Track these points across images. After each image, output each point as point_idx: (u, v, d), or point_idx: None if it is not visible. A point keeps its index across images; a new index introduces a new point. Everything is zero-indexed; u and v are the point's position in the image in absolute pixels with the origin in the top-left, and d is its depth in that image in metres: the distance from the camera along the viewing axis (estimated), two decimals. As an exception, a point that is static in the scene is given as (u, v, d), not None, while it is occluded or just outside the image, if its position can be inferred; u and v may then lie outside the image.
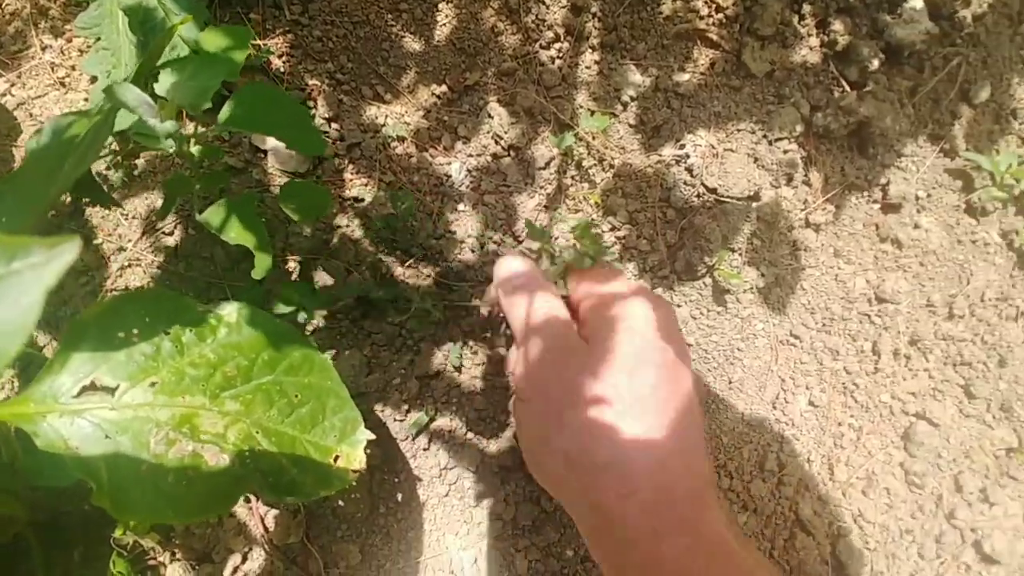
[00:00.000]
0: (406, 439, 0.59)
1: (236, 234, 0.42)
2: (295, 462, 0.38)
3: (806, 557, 0.63)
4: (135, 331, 0.35)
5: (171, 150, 0.42)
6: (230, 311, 0.39)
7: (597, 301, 0.39)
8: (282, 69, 0.64)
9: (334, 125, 0.64)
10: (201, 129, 0.52)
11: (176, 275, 0.60)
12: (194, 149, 0.44)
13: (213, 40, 0.45)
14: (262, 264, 0.44)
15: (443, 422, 0.60)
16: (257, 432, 0.37)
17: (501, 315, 0.55)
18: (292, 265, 0.61)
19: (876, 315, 0.67)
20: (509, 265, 0.42)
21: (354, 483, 0.40)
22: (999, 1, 0.67)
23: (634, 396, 0.33)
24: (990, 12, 0.67)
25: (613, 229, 0.64)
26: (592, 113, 0.63)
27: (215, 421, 0.36)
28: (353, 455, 0.41)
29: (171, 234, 0.61)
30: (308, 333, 0.59)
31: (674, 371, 0.35)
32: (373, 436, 0.42)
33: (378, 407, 0.58)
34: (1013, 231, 0.69)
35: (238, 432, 0.36)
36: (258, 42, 0.63)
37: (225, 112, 0.39)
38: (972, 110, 0.68)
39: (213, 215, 0.42)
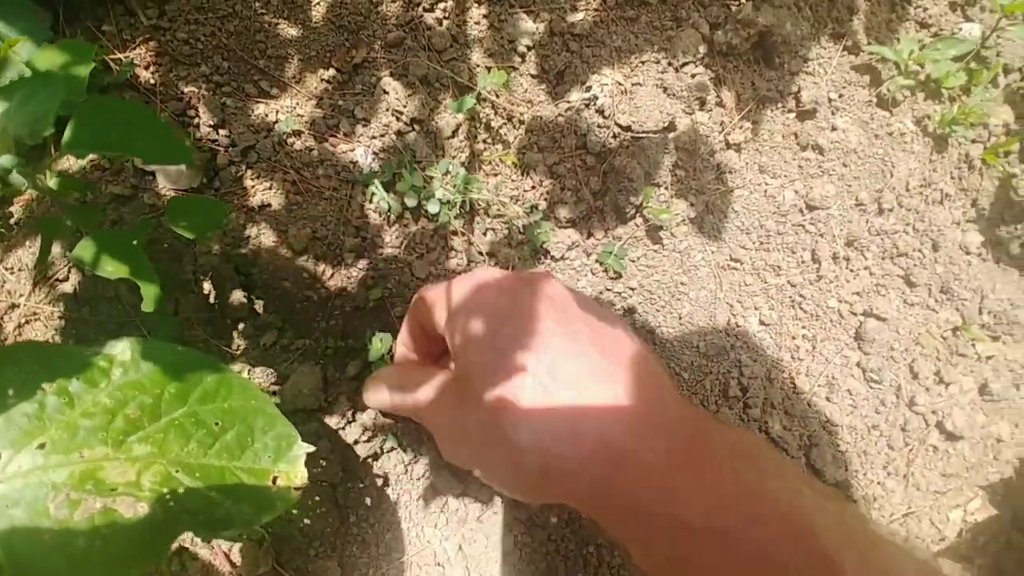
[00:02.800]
0: (369, 441, 0.57)
1: (112, 267, 0.38)
2: (227, 493, 0.35)
3: (783, 472, 0.63)
4: (10, 392, 0.31)
5: (24, 189, 0.38)
6: (122, 349, 0.36)
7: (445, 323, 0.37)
8: (152, 80, 0.59)
9: (222, 131, 0.59)
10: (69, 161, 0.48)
11: (82, 322, 0.56)
12: (52, 183, 0.40)
13: (48, 58, 0.41)
14: (149, 294, 0.40)
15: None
16: (177, 471, 0.34)
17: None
18: (208, 287, 0.57)
19: (810, 223, 0.67)
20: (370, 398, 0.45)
21: (298, 503, 0.38)
22: None
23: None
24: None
25: (535, 187, 0.62)
26: (489, 70, 0.60)
27: (124, 470, 0.33)
28: (293, 472, 0.38)
29: (66, 280, 0.56)
30: (263, 349, 0.56)
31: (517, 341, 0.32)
32: (312, 448, 0.40)
33: (334, 419, 0.55)
34: (925, 117, 0.69)
35: (154, 475, 0.33)
36: (118, 55, 0.58)
37: (67, 135, 0.35)
38: (867, 2, 0.68)
39: (84, 251, 0.39)
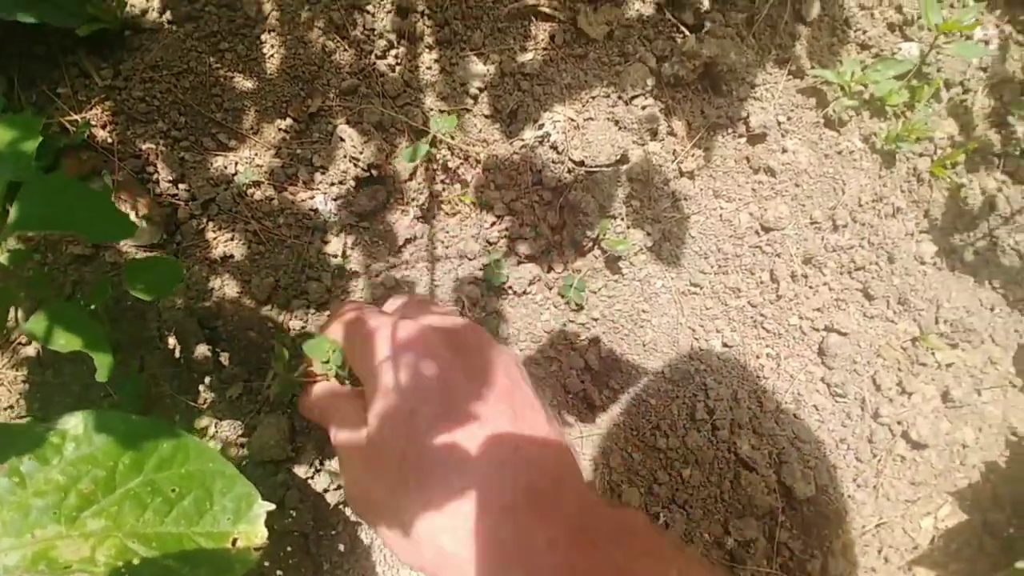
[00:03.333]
0: (339, 488, 0.58)
1: (65, 340, 0.39)
2: (184, 560, 0.36)
3: (753, 492, 0.64)
4: (-42, 478, 0.32)
5: (-26, 264, 0.38)
6: (75, 423, 0.36)
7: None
8: (109, 139, 0.59)
9: (181, 185, 0.60)
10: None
11: (46, 385, 0.56)
12: (2, 258, 0.40)
13: (-4, 135, 0.41)
14: (103, 364, 0.40)
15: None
16: (133, 542, 0.35)
17: None
18: (172, 342, 0.57)
19: (766, 244, 0.69)
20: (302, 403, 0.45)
21: (258, 563, 0.38)
22: (809, -82, 0.69)
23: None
24: (803, -70, 0.68)
25: (494, 224, 0.63)
26: (443, 113, 0.61)
27: (78, 547, 0.33)
28: (253, 532, 0.39)
29: (29, 343, 0.57)
30: (229, 401, 0.56)
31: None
32: (272, 506, 0.40)
33: (303, 468, 0.56)
34: (872, 134, 0.71)
35: (109, 549, 0.34)
36: (74, 116, 0.59)
37: (13, 215, 0.36)
38: (808, 28, 0.70)
39: (35, 325, 0.39)
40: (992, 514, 0.71)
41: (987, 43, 0.79)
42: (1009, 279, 0.73)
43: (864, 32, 0.72)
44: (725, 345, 0.67)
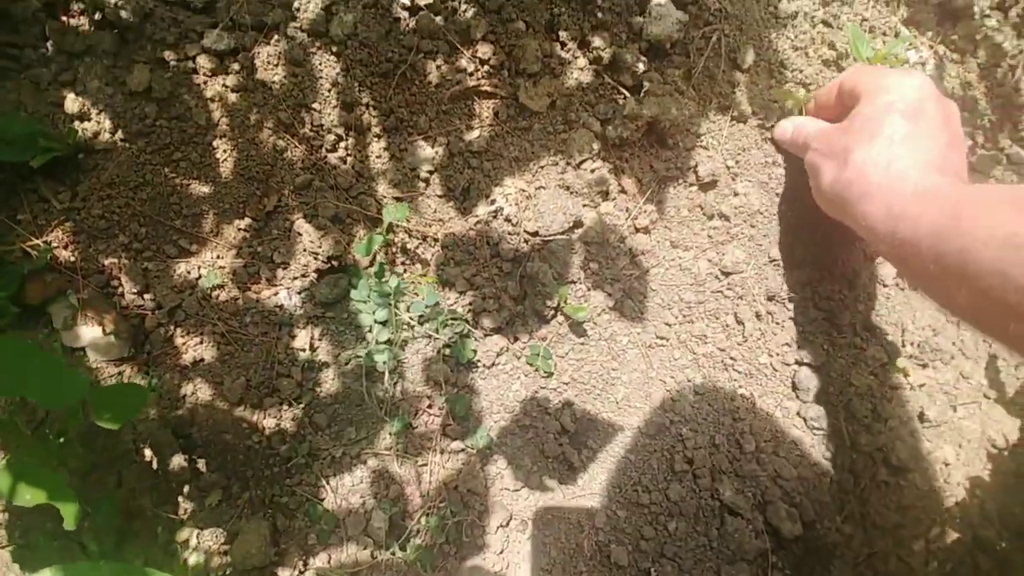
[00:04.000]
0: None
1: (31, 495, 0.40)
2: None
3: (741, 537, 0.65)
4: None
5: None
6: (44, 579, 0.37)
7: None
8: (72, 259, 0.61)
9: (147, 296, 0.61)
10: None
11: (25, 513, 0.56)
12: (-35, 411, 0.41)
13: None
14: (69, 514, 0.41)
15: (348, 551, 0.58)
16: None
17: None
18: (149, 454, 0.58)
19: (728, 288, 0.70)
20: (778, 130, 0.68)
21: None
22: (733, -30, 0.71)
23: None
24: (729, -17, 0.71)
25: (457, 300, 0.64)
26: (397, 200, 0.63)
27: None
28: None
29: (7, 470, 0.57)
30: (210, 509, 0.57)
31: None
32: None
33: (287, 572, 0.56)
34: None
35: None
36: (35, 241, 0.60)
37: (-31, 379, 0.37)
38: (745, 74, 0.72)
39: (0, 482, 0.40)
40: (982, 530, 0.72)
41: (923, 64, 0.81)
42: (970, 295, 0.74)
43: (801, 71, 0.74)
44: (697, 393, 0.68)
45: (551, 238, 0.63)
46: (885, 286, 0.75)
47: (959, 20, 0.82)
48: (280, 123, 0.63)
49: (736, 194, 0.72)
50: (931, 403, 0.73)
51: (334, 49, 0.62)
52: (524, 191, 0.65)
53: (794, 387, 0.71)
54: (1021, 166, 0.84)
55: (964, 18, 0.82)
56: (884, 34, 0.80)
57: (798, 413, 0.71)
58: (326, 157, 0.63)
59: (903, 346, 0.73)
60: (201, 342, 0.61)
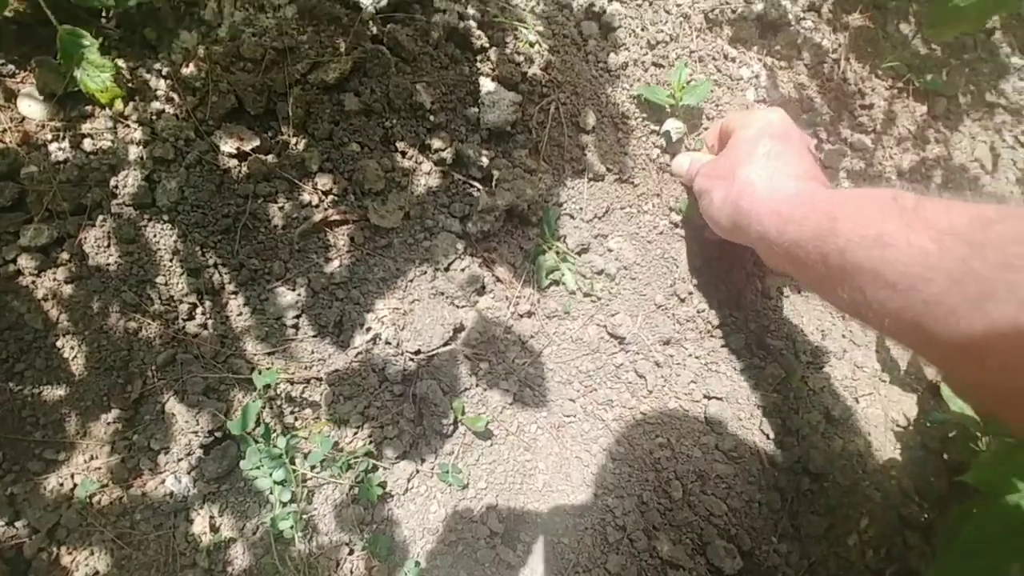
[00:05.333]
0: None
1: None
2: None
3: (686, 588, 0.66)
4: None
5: None
6: None
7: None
8: (-75, 506, 0.56)
9: (19, 523, 0.57)
10: None
11: None
12: None
13: None
14: None
15: None
16: None
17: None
18: None
19: (622, 347, 0.71)
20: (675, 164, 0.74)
21: None
22: (557, 40, 0.72)
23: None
24: (553, 54, 0.72)
25: (356, 435, 0.62)
26: (269, 354, 0.61)
27: None
28: None
29: None
30: None
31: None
32: None
33: None
34: (677, 209, 0.75)
35: None
36: None
37: None
38: (592, 134, 0.73)
39: None
40: (905, 508, 0.76)
41: (756, 77, 0.85)
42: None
43: (643, 120, 0.76)
44: (615, 459, 0.69)
45: (434, 352, 0.63)
46: (769, 299, 0.79)
47: (779, 31, 0.86)
48: (126, 305, 0.60)
49: (610, 250, 0.73)
50: (835, 402, 0.77)
51: (165, 218, 0.59)
52: (398, 309, 0.64)
53: (707, 422, 0.73)
54: (864, 151, 0.90)
55: (783, 28, 0.87)
56: (714, 59, 0.83)
57: (717, 447, 0.73)
58: (184, 328, 0.61)
59: (798, 356, 0.77)
60: (91, 554, 0.57)
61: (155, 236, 0.59)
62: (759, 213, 0.52)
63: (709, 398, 0.74)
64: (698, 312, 0.75)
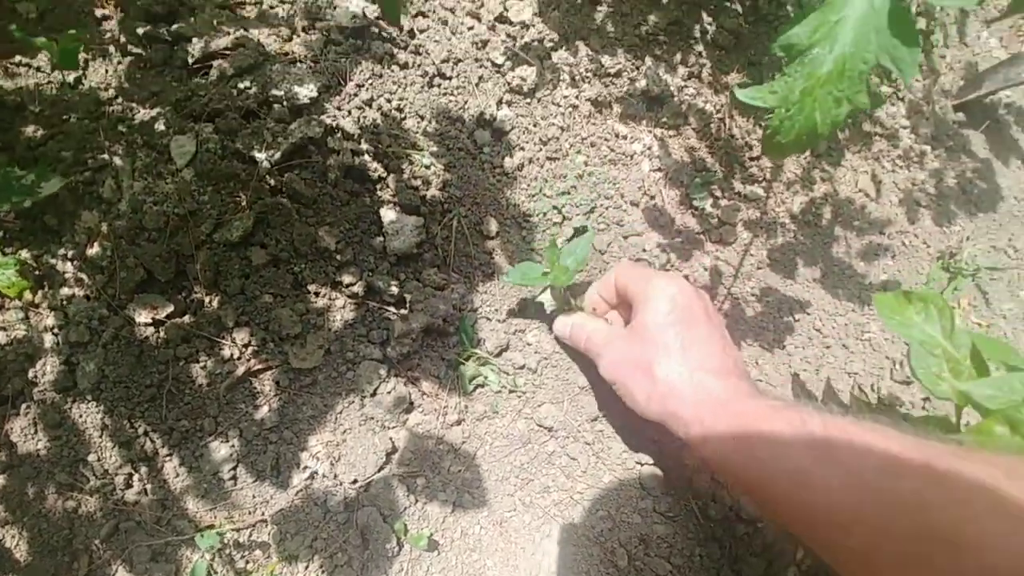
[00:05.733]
0: None
1: None
2: None
3: (640, 654, 0.71)
4: None
5: None
6: None
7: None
8: None
9: None
10: None
11: None
12: None
13: None
14: None
15: None
16: None
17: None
18: None
19: (552, 436, 0.76)
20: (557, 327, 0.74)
21: None
22: (452, 155, 0.77)
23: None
24: (449, 170, 0.76)
25: (306, 570, 0.65)
26: (210, 510, 0.63)
27: None
28: None
29: None
30: None
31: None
32: None
33: None
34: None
35: None
36: None
37: None
38: (497, 239, 0.78)
39: None
40: (833, 535, 0.82)
41: (649, 148, 0.91)
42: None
43: (544, 215, 0.81)
44: (558, 543, 0.73)
45: (370, 479, 0.66)
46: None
47: (664, 103, 0.93)
48: (62, 486, 0.61)
49: (528, 344, 0.78)
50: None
51: (89, 398, 0.61)
52: (331, 442, 0.67)
53: (642, 487, 0.78)
54: (758, 201, 0.97)
55: (667, 100, 0.93)
56: (606, 140, 0.89)
57: (654, 509, 0.78)
58: (123, 497, 0.63)
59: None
60: None
61: (81, 416, 0.61)
62: (686, 419, 0.55)
63: (641, 464, 0.79)
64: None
